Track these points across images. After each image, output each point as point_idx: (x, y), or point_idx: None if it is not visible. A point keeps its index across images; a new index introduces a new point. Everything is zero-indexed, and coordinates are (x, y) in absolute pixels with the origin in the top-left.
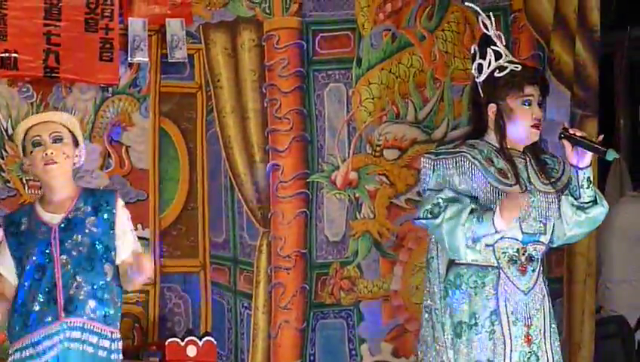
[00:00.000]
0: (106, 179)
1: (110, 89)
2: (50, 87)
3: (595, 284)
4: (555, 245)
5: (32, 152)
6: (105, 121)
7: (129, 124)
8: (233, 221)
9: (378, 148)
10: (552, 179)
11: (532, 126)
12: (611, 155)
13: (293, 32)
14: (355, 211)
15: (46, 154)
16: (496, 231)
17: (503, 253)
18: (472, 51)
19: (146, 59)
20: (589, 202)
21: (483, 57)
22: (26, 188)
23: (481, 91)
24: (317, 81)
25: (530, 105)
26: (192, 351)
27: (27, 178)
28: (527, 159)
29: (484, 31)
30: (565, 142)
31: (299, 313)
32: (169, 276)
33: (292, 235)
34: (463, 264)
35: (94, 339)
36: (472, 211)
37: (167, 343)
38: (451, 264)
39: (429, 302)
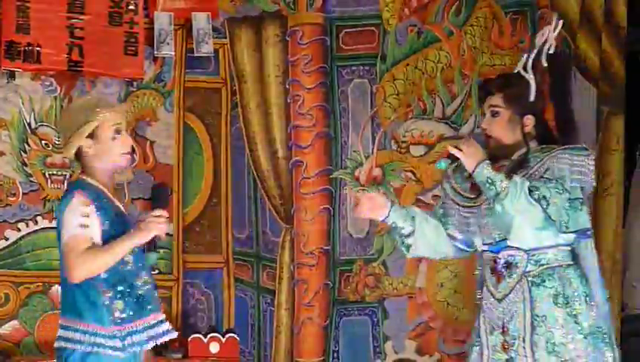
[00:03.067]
0: (130, 173)
1: (135, 83)
2: (73, 80)
3: (620, 282)
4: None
5: (114, 138)
6: (129, 115)
7: (153, 118)
8: (256, 217)
9: (404, 145)
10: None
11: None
12: (441, 165)
13: (317, 27)
14: None
15: (127, 144)
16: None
17: (485, 264)
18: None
19: (172, 54)
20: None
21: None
22: (49, 183)
23: None
24: (341, 77)
25: (483, 115)
26: (214, 347)
27: (50, 172)
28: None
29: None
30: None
31: (322, 310)
32: (192, 272)
33: (315, 232)
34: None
35: None
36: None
37: (189, 339)
38: None
39: None
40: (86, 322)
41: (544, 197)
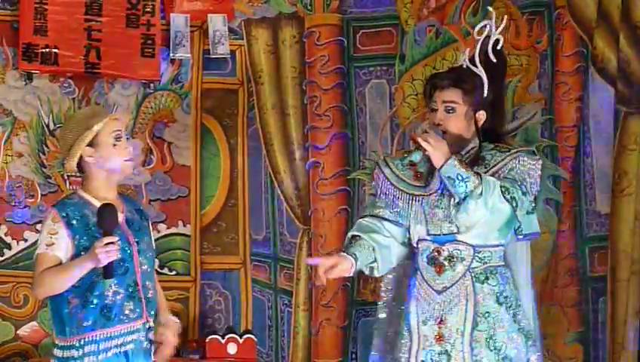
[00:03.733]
0: (148, 175)
1: (152, 85)
2: (92, 82)
3: (638, 283)
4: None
5: (114, 145)
6: (147, 117)
7: (171, 120)
8: (273, 218)
9: None
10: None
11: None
12: (416, 157)
13: (334, 28)
14: None
15: (128, 150)
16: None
17: (421, 253)
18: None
19: (189, 55)
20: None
21: None
22: (67, 184)
23: None
24: (358, 77)
25: (433, 110)
26: (232, 348)
27: (69, 174)
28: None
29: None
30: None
31: (340, 311)
32: (209, 273)
33: (333, 232)
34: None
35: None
36: None
37: (207, 340)
38: None
39: None
40: (55, 335)
41: (514, 198)
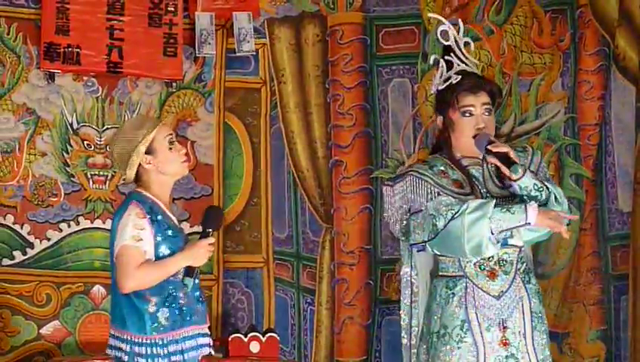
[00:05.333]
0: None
1: (175, 84)
2: (115, 81)
3: None
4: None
5: (170, 149)
6: (170, 115)
7: (194, 119)
8: (296, 217)
9: None
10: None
11: (473, 137)
12: (515, 172)
13: (357, 27)
14: None
15: (183, 152)
16: (527, 223)
17: (467, 261)
18: (432, 62)
19: (214, 53)
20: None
21: (437, 69)
22: (91, 183)
23: (435, 103)
24: (380, 76)
25: (470, 115)
26: (255, 346)
27: (92, 172)
28: (486, 165)
29: (443, 41)
30: (490, 157)
31: (363, 309)
32: (232, 271)
33: (355, 231)
34: (438, 276)
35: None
36: (496, 205)
37: (230, 339)
38: (432, 277)
39: (403, 315)
40: (129, 331)
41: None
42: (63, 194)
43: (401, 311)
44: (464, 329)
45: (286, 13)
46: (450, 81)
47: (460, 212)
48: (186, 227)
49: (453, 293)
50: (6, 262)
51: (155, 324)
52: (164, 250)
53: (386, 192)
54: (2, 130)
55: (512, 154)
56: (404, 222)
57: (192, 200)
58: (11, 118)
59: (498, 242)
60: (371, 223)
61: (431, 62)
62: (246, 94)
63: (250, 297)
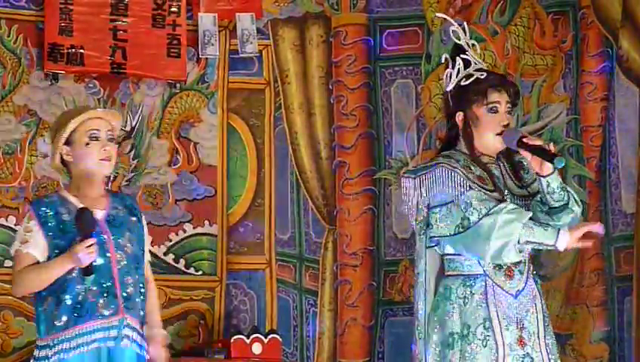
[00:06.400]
0: (174, 175)
1: (178, 85)
2: (117, 83)
3: None
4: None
5: (87, 144)
6: (173, 117)
7: (197, 120)
8: (299, 218)
9: None
10: (527, 182)
11: (498, 134)
12: (560, 163)
13: (361, 28)
14: None
15: (105, 150)
16: (554, 245)
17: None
18: (444, 60)
19: (217, 54)
20: (557, 208)
21: (453, 66)
22: None
23: (450, 100)
24: (384, 77)
25: (496, 112)
26: (257, 348)
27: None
28: (502, 164)
29: (455, 40)
30: (524, 151)
31: (366, 310)
32: (235, 273)
33: (358, 232)
34: (451, 275)
35: (140, 341)
36: (531, 218)
37: (232, 340)
38: (440, 277)
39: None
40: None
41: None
42: None
43: (417, 304)
44: (486, 328)
45: (290, 14)
46: (474, 77)
47: (495, 210)
48: (189, 228)
49: (472, 292)
50: (8, 263)
51: (49, 324)
52: (63, 246)
53: (405, 184)
54: (3, 131)
55: (552, 146)
56: (424, 215)
57: (194, 202)
58: (12, 119)
59: (520, 252)
60: (374, 224)
61: (442, 60)
62: (250, 95)
63: (253, 298)
